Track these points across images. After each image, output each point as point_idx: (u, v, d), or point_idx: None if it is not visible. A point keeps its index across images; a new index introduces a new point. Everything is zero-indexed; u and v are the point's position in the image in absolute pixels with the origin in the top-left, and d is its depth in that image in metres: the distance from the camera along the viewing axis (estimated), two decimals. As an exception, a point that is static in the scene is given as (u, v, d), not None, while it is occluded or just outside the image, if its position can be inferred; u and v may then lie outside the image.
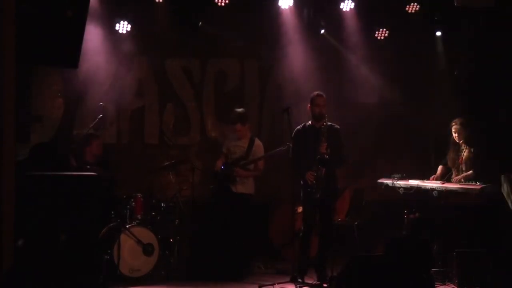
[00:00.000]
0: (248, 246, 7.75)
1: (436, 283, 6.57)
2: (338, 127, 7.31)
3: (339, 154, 7.14)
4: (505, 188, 7.10)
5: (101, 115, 8.08)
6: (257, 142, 8.02)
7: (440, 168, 8.02)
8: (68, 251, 4.96)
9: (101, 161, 7.89)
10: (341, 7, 9.06)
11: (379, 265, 6.15)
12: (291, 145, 7.22)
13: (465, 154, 7.66)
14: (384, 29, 9.30)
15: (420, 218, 7.73)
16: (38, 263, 4.82)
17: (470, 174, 7.55)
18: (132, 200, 7.58)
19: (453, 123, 7.79)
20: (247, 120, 7.99)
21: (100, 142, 8.03)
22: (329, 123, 7.19)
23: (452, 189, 7.41)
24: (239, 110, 7.95)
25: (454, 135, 7.76)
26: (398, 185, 7.86)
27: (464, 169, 7.66)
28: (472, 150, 7.63)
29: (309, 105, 7.30)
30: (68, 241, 5.05)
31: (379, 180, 8.12)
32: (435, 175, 7.94)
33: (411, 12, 9.10)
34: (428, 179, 7.84)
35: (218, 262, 7.46)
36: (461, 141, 7.72)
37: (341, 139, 7.28)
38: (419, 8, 9.06)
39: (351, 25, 9.24)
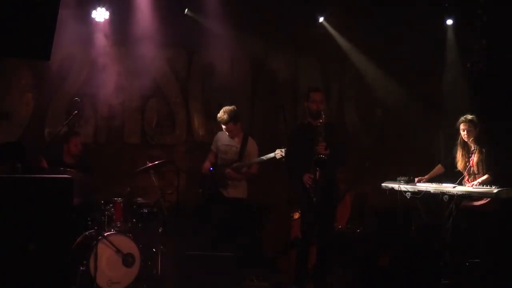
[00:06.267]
0: (240, 256, 7.71)
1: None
2: (338, 125, 7.27)
3: (339, 154, 7.08)
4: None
5: (76, 112, 8.01)
6: (251, 140, 7.97)
7: (437, 167, 8.01)
8: (38, 262, 4.88)
9: (81, 162, 7.86)
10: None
11: (384, 277, 6.14)
12: (283, 151, 7.19)
13: (476, 155, 7.62)
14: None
15: (429, 226, 7.71)
16: (2, 275, 4.74)
17: (487, 178, 7.49)
18: (110, 205, 7.51)
19: (462, 121, 7.76)
20: (239, 119, 7.94)
21: (79, 140, 8.03)
22: (328, 121, 7.15)
23: (464, 193, 7.38)
24: (230, 108, 7.89)
25: (463, 133, 7.71)
26: (405, 189, 7.84)
27: (476, 171, 7.63)
28: (483, 150, 7.60)
29: (305, 101, 7.26)
30: (37, 251, 4.98)
31: (384, 184, 8.09)
32: (424, 176, 7.91)
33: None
34: (439, 182, 7.81)
35: (206, 274, 7.41)
36: (470, 140, 7.68)
37: (342, 138, 7.24)
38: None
39: (352, 13, 9.22)
